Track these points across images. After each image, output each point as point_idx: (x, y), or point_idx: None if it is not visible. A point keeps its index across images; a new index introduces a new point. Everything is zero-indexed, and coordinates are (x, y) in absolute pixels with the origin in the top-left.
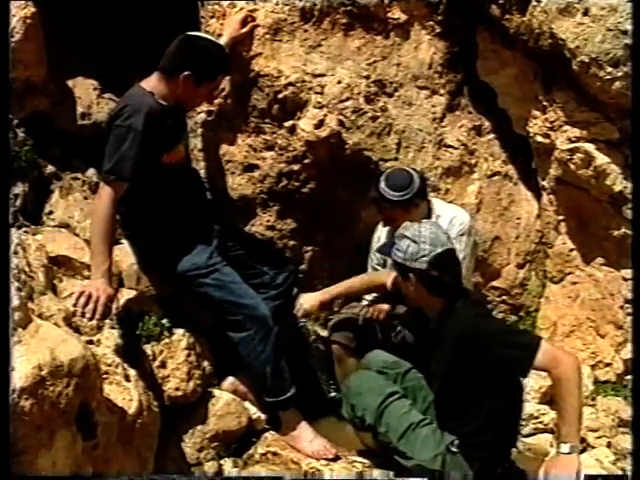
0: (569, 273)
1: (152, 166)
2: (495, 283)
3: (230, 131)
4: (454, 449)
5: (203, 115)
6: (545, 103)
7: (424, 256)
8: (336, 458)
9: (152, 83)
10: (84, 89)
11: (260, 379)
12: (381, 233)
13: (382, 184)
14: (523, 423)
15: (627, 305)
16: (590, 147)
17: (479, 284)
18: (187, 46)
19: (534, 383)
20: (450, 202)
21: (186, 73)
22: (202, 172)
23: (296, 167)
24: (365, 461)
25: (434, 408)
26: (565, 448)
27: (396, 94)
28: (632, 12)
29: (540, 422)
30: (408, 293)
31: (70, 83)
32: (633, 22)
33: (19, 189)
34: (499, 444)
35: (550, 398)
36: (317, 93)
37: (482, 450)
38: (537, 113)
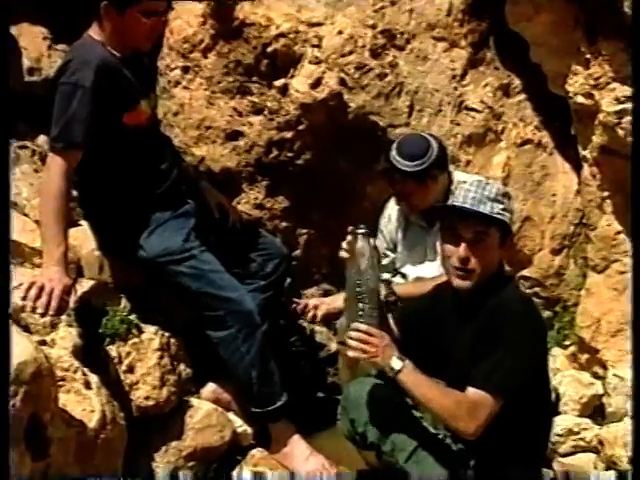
0: (615, 261)
1: (110, 130)
2: (526, 272)
3: (210, 91)
4: (470, 472)
5: (177, 72)
6: (588, 56)
7: (512, 212)
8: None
9: (101, 30)
10: (32, 38)
11: (246, 386)
12: (392, 212)
13: (394, 152)
14: (560, 439)
15: None
16: None
17: (508, 274)
18: None
19: (573, 392)
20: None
21: (104, 3)
22: (176, 140)
23: (289, 134)
24: None
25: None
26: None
27: (408, 47)
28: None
29: (581, 439)
30: (484, 252)
31: (14, 31)
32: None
33: None
34: (523, 461)
35: (593, 410)
36: (314, 46)
37: (502, 468)
38: (578, 68)
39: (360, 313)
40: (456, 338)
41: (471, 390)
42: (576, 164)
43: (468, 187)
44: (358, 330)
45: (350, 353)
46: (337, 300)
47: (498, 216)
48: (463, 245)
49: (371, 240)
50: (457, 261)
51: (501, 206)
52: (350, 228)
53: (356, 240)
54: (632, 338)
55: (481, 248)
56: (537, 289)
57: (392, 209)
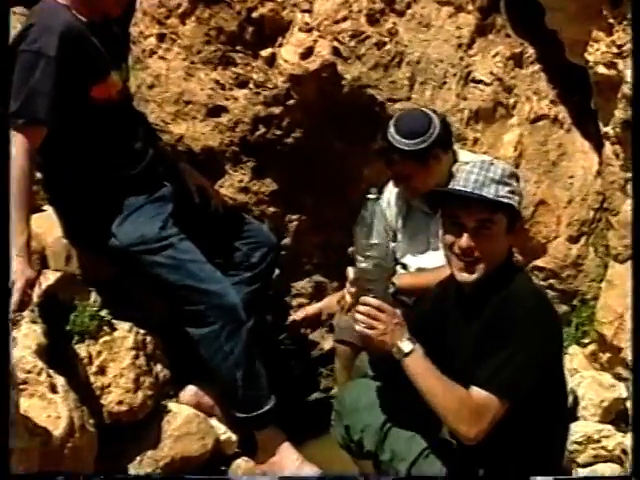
0: None
1: (77, 104)
2: (539, 262)
3: (189, 62)
4: None
5: (152, 40)
6: (611, 20)
7: (521, 195)
8: None
9: None
10: None
11: (229, 388)
12: (390, 196)
13: (392, 129)
14: (579, 448)
15: None
16: None
17: (518, 262)
18: None
19: (594, 395)
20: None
21: None
22: (152, 116)
23: (277, 110)
24: None
25: None
26: None
27: (409, 12)
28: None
29: (602, 447)
30: (489, 241)
31: None
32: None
33: None
34: (536, 471)
35: (615, 416)
36: (304, 11)
37: (512, 475)
38: (600, 34)
39: (369, 287)
40: (460, 335)
41: (475, 390)
42: (597, 142)
43: (470, 169)
44: (367, 304)
45: (357, 328)
46: (333, 302)
47: (504, 200)
48: (466, 235)
49: (381, 206)
50: (460, 252)
51: (508, 188)
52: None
53: (366, 206)
54: (632, 343)
55: (486, 237)
56: (552, 281)
57: (391, 193)
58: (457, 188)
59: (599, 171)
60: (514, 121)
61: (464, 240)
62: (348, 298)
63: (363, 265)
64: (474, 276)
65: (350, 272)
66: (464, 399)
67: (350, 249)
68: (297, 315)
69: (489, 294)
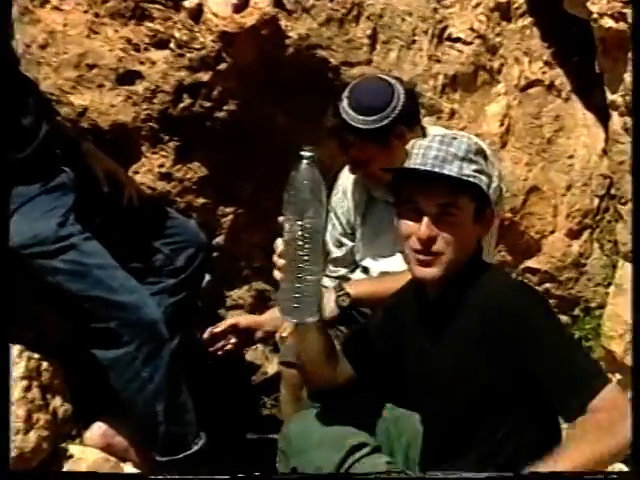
0: None
1: None
2: (532, 263)
3: (92, 14)
4: None
5: None
6: None
7: (490, 176)
8: None
9: None
10: None
11: (148, 425)
12: (347, 184)
13: (345, 103)
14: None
15: None
16: None
17: (506, 264)
18: None
19: None
20: (459, 131)
21: None
22: (46, 84)
23: (205, 77)
24: None
25: (425, 425)
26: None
27: None
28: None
29: None
30: (453, 230)
31: None
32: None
33: None
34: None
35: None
36: None
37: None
38: None
39: (302, 261)
40: (429, 356)
41: (592, 407)
42: (602, 113)
43: (428, 144)
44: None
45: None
46: (276, 314)
47: (470, 179)
48: (425, 220)
49: (317, 170)
50: (418, 243)
51: (473, 167)
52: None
53: (299, 167)
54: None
55: (449, 224)
56: (548, 285)
57: (347, 181)
58: (413, 167)
59: (605, 149)
60: (500, 89)
61: (423, 226)
62: (277, 274)
63: (294, 234)
64: (435, 270)
65: (278, 244)
66: (587, 430)
67: (280, 218)
68: (218, 328)
69: (462, 298)
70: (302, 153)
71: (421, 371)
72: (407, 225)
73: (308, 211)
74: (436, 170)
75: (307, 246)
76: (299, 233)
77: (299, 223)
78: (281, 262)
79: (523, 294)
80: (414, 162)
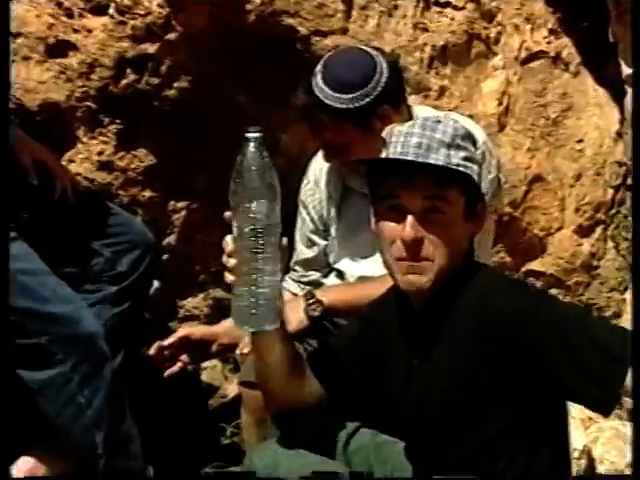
0: None
1: None
2: (536, 265)
3: None
4: None
5: None
6: None
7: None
8: None
9: None
10: None
11: (86, 458)
12: (319, 174)
13: (319, 78)
14: None
15: None
16: None
17: (505, 267)
18: None
19: (616, 455)
20: (450, 111)
21: None
22: None
23: (152, 48)
24: None
25: (415, 454)
26: None
27: None
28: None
29: None
30: (443, 227)
31: None
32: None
33: None
34: None
35: None
36: None
37: None
38: None
39: (255, 259)
40: (416, 371)
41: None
42: (616, 90)
43: (408, 130)
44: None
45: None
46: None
47: (459, 168)
48: (409, 220)
49: (266, 153)
50: (402, 248)
51: (462, 154)
52: None
53: (245, 151)
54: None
55: (437, 223)
56: (555, 291)
57: (320, 170)
58: (393, 157)
59: (620, 132)
60: (497, 62)
61: (408, 227)
62: (228, 276)
63: (244, 229)
64: (423, 280)
65: (228, 241)
66: None
67: (226, 214)
68: (166, 341)
69: (456, 306)
70: (247, 135)
71: (409, 392)
72: (388, 227)
73: (258, 201)
74: (420, 160)
75: (261, 242)
76: (250, 227)
77: (250, 216)
78: (232, 262)
79: (527, 292)
80: (394, 151)
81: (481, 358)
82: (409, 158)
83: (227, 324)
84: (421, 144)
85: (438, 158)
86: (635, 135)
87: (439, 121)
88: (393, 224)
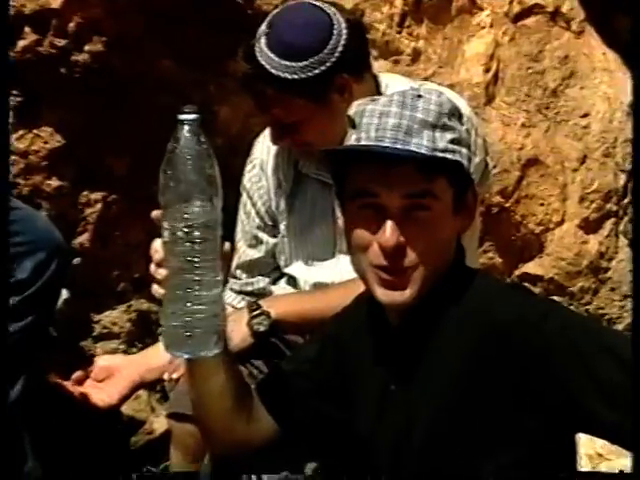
0: None
1: None
2: (533, 267)
3: None
4: None
5: None
6: None
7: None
8: None
9: None
10: None
11: None
12: (266, 157)
13: (263, 43)
14: None
15: None
16: None
17: (494, 270)
18: None
19: None
20: (425, 81)
21: None
22: None
23: (56, 2)
24: None
25: None
26: None
27: None
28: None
29: None
30: (428, 227)
31: None
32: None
33: None
34: None
35: None
36: None
37: None
38: None
39: (189, 277)
40: (393, 398)
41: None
42: (629, 52)
43: (383, 108)
44: None
45: None
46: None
47: (448, 155)
48: (389, 224)
49: (204, 138)
50: (381, 256)
51: (450, 135)
52: None
53: (178, 136)
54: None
55: (423, 223)
56: (556, 299)
57: (267, 153)
58: (366, 144)
59: (633, 105)
60: (484, 18)
61: (387, 234)
62: (156, 289)
63: (177, 233)
64: (407, 293)
65: (156, 247)
66: None
67: (155, 213)
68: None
69: (442, 320)
70: (181, 117)
71: (385, 424)
72: (361, 230)
73: (195, 198)
74: (400, 146)
75: (198, 247)
76: (185, 230)
77: (184, 216)
78: (162, 273)
79: (531, 299)
80: (366, 136)
81: (476, 381)
82: (387, 145)
83: (154, 350)
84: (400, 126)
85: (421, 143)
86: (635, 134)
87: (420, 95)
88: (368, 226)
